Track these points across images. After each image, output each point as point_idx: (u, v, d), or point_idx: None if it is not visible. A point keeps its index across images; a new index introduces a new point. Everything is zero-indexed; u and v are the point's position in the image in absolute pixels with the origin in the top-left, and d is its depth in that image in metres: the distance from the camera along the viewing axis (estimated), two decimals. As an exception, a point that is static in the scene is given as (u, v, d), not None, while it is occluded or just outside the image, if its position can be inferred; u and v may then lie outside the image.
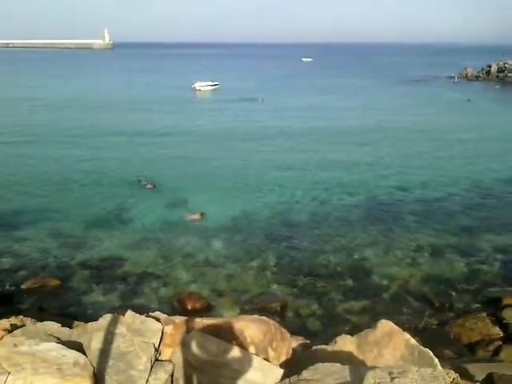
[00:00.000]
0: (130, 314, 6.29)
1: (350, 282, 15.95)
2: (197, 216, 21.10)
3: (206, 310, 13.91)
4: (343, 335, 6.86)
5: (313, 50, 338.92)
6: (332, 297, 15.03)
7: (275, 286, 15.58)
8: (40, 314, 12.68)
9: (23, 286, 14.97)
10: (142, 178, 26.20)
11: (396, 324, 6.66)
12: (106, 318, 6.16)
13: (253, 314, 6.74)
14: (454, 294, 15.11)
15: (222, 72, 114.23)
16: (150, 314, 6.76)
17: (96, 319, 6.30)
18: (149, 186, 25.23)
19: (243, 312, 13.76)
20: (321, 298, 14.96)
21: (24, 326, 8.81)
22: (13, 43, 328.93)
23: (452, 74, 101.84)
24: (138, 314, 6.33)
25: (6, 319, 10.39)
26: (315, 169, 30.17)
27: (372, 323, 7.07)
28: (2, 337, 8.47)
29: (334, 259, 17.54)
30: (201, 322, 6.15)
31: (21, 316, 10.55)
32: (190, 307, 13.99)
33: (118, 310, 13.40)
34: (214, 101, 65.71)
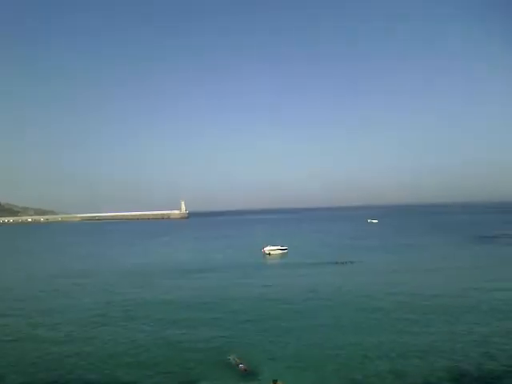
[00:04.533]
0: None
1: None
2: None
3: None
4: None
5: (375, 211, 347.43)
6: None
7: None
8: None
9: None
10: (232, 356, 25.00)
11: None
12: None
13: None
14: None
15: (290, 236, 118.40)
16: None
17: None
18: (242, 368, 23.53)
19: None
20: None
21: None
22: (99, 216, 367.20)
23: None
24: None
25: None
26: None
27: None
28: None
29: None
30: None
31: None
32: None
33: None
34: (287, 266, 65.90)
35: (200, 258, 77.07)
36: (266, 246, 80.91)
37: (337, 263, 62.71)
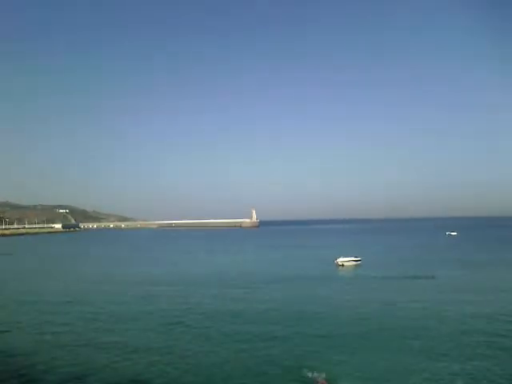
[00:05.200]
0: None
1: None
2: None
3: None
4: None
5: (455, 223, 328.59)
6: None
7: None
8: None
9: None
10: (312, 371, 23.98)
11: None
12: None
13: None
14: None
15: (361, 247, 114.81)
16: None
17: None
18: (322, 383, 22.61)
19: None
20: None
21: None
22: (174, 223, 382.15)
23: None
24: None
25: None
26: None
27: None
28: None
29: None
30: None
31: None
32: None
33: None
34: (361, 277, 63.71)
35: (272, 267, 76.43)
36: (339, 256, 78.89)
37: (415, 277, 59.27)
